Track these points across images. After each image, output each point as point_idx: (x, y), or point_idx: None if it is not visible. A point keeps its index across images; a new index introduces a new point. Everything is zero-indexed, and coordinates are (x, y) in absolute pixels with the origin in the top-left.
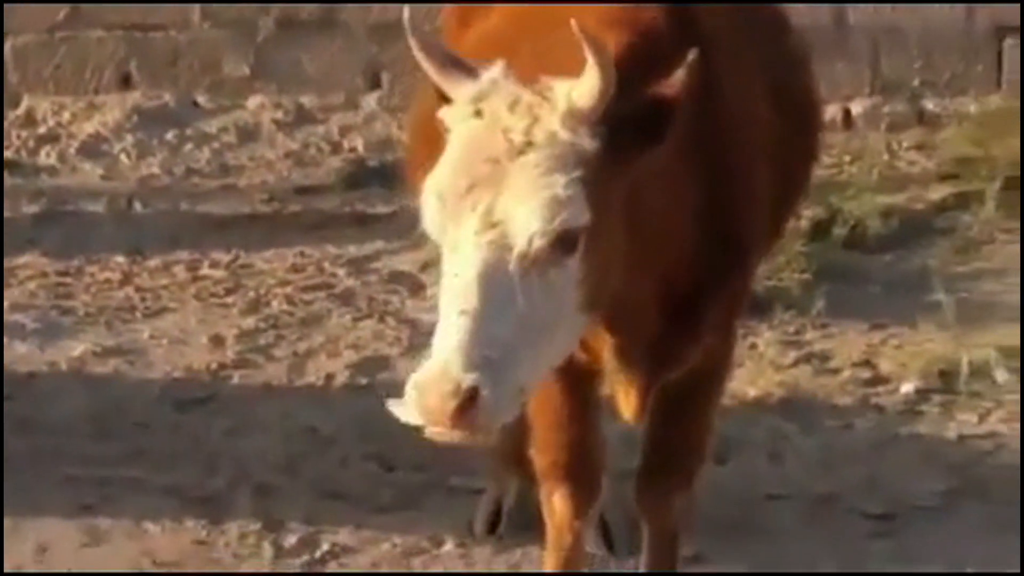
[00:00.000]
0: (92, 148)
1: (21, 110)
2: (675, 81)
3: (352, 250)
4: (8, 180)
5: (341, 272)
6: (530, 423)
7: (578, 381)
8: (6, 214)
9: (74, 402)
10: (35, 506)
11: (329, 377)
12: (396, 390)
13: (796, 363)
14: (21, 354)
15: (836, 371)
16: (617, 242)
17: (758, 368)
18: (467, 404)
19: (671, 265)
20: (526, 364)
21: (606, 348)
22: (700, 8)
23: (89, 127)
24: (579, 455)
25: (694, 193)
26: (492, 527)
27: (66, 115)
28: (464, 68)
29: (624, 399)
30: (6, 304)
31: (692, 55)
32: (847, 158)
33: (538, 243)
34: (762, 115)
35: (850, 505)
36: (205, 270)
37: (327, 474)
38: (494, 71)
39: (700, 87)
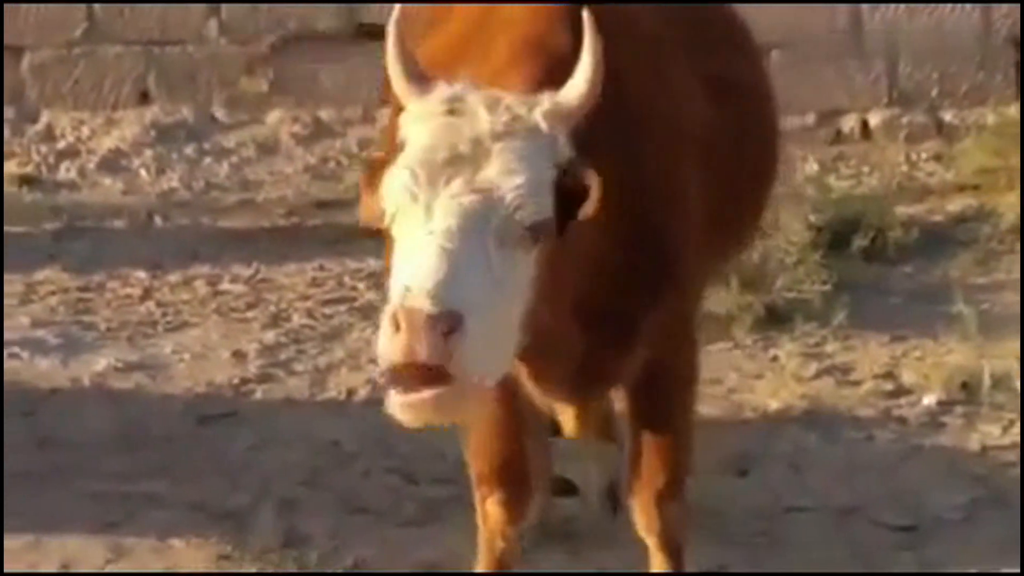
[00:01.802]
0: (111, 163)
1: (40, 126)
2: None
3: (372, 263)
4: (28, 196)
5: (362, 286)
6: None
7: (509, 392)
8: (26, 229)
9: (97, 418)
10: (59, 523)
11: (351, 391)
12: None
13: (818, 375)
14: (43, 370)
15: (858, 383)
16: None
17: (779, 380)
18: (451, 327)
19: (587, 287)
20: (495, 337)
21: (522, 372)
22: (614, 21)
23: (108, 142)
24: (511, 463)
25: (610, 212)
26: None
27: (85, 130)
28: (430, 79)
29: (562, 417)
30: (27, 320)
31: (592, 178)
32: (866, 169)
33: (523, 214)
34: (692, 117)
35: (873, 517)
36: (226, 285)
37: (350, 488)
38: (464, 83)
39: (611, 107)
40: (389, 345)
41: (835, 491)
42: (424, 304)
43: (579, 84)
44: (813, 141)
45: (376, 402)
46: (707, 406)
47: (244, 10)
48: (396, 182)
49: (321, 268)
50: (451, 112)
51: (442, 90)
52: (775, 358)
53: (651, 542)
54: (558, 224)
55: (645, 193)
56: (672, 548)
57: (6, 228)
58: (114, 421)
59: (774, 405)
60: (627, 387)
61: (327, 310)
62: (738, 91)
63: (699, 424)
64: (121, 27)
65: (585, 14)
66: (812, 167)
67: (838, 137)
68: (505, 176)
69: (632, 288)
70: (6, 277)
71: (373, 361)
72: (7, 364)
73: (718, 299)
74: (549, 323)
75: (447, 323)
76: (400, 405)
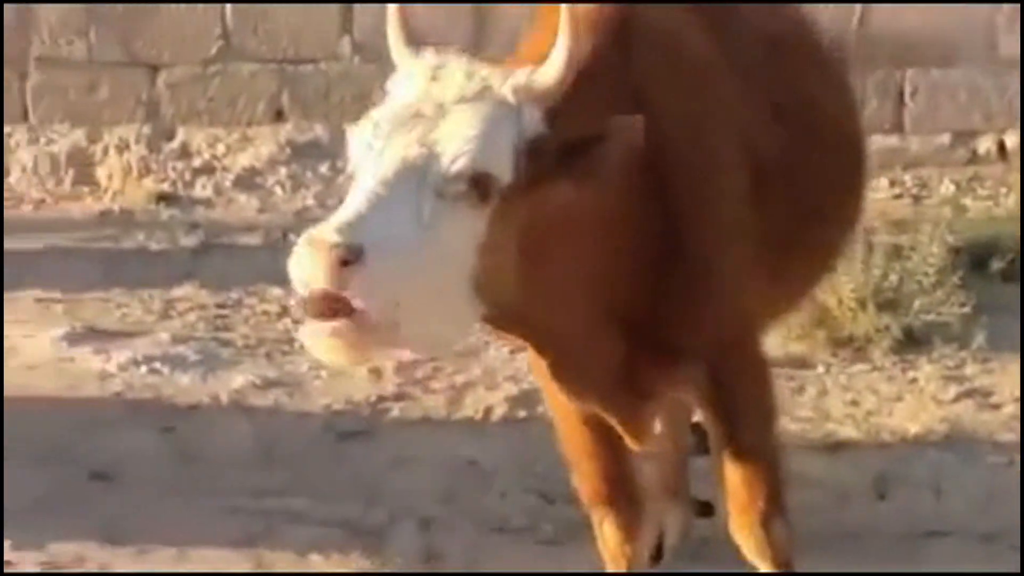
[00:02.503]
0: (247, 181)
1: (176, 143)
2: (613, 131)
3: None
4: (165, 212)
5: None
6: (570, 454)
7: (594, 413)
8: (164, 246)
9: (235, 434)
10: (202, 537)
11: (488, 410)
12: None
13: (957, 398)
14: (183, 386)
15: (998, 406)
16: (514, 251)
17: (919, 403)
18: (351, 258)
19: (620, 298)
20: (410, 281)
21: (570, 391)
22: (654, 39)
23: (243, 160)
24: (616, 482)
25: (640, 225)
26: (655, 558)
27: (220, 148)
28: (423, 47)
29: (621, 431)
30: (167, 336)
31: (637, 121)
32: (1003, 190)
33: (460, 165)
34: (738, 136)
35: (1014, 543)
36: None
37: (487, 507)
38: (454, 53)
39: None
40: (294, 270)
41: (975, 516)
42: (328, 234)
43: (553, 64)
44: (949, 162)
45: (514, 421)
46: (846, 428)
47: (378, 28)
48: (360, 133)
49: None
50: (432, 78)
51: (430, 57)
52: (914, 381)
53: (764, 567)
54: (526, 197)
55: (675, 208)
56: (786, 567)
57: (146, 245)
58: (252, 437)
59: (913, 428)
60: (704, 416)
61: None
62: (807, 114)
63: (838, 446)
64: (256, 45)
65: (564, 7)
66: (948, 188)
67: (974, 158)
68: (454, 133)
69: (668, 303)
70: (146, 292)
71: (510, 379)
72: (148, 379)
73: (856, 321)
74: (556, 317)
75: (345, 253)
76: (307, 334)
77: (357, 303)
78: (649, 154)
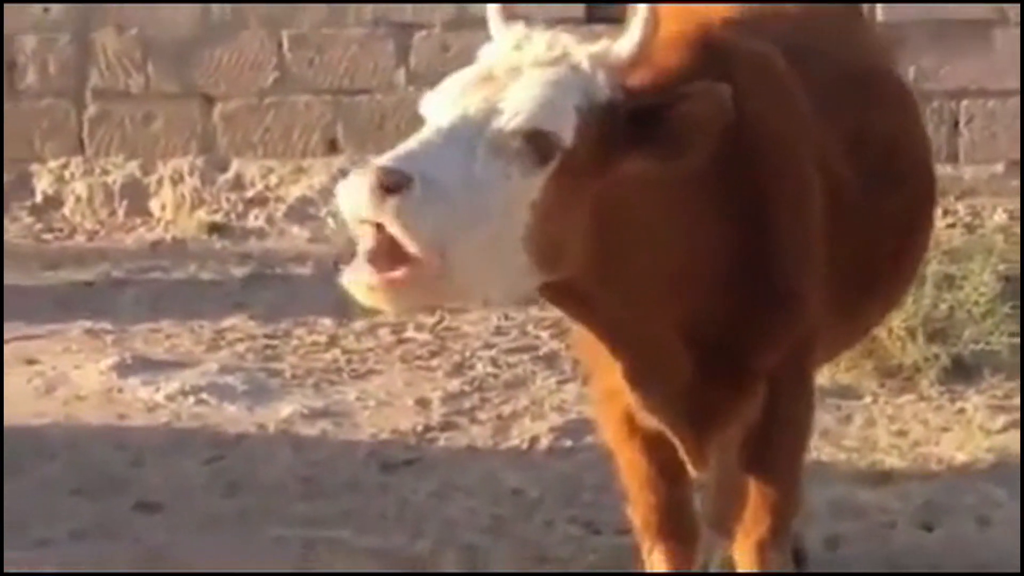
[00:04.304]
0: (299, 211)
1: (230, 174)
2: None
3: (556, 312)
4: (217, 243)
5: (545, 335)
6: (626, 483)
7: (656, 443)
8: (214, 277)
9: (282, 463)
10: (246, 566)
11: (534, 440)
12: (601, 454)
13: (1005, 428)
14: (230, 415)
15: None
16: (579, 220)
17: (966, 433)
18: (398, 184)
19: (693, 306)
20: (455, 223)
21: (641, 398)
22: (749, 49)
23: (296, 190)
24: (671, 513)
25: (720, 236)
26: None
27: (273, 179)
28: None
29: (684, 453)
30: (215, 366)
31: (725, 88)
32: None
33: (518, 121)
34: (816, 161)
35: None
36: (410, 333)
37: (532, 537)
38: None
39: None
40: (341, 199)
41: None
42: (379, 163)
43: (631, 35)
44: (1002, 191)
45: (560, 451)
46: (893, 458)
47: (433, 58)
48: (434, 95)
49: (505, 317)
50: (517, 46)
51: (519, 28)
52: (962, 410)
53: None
54: (591, 163)
55: (763, 222)
56: None
57: (196, 275)
58: (299, 467)
59: (960, 458)
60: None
61: (510, 359)
62: (881, 149)
63: (885, 476)
64: (311, 76)
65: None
66: (1001, 217)
67: None
68: (518, 91)
69: (745, 320)
70: (196, 322)
71: (556, 409)
72: (195, 409)
73: (905, 351)
74: (639, 334)
75: (391, 178)
76: (350, 282)
77: (396, 230)
78: (740, 163)
